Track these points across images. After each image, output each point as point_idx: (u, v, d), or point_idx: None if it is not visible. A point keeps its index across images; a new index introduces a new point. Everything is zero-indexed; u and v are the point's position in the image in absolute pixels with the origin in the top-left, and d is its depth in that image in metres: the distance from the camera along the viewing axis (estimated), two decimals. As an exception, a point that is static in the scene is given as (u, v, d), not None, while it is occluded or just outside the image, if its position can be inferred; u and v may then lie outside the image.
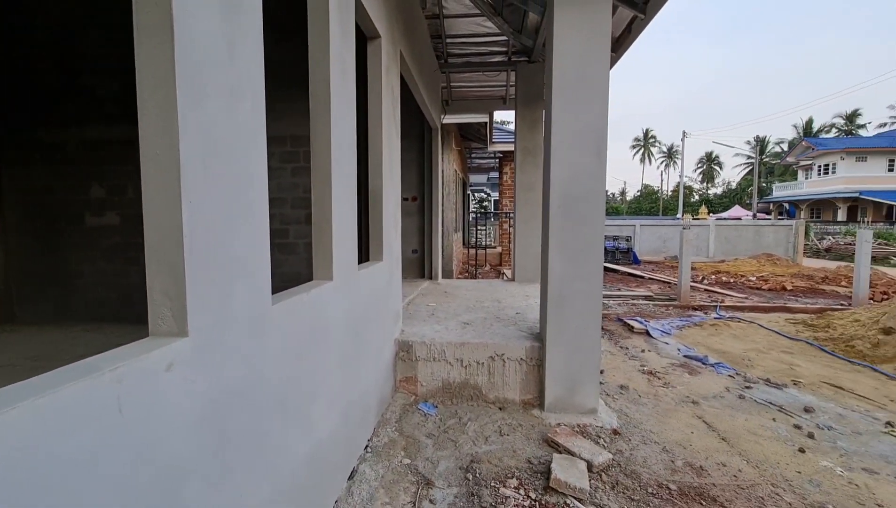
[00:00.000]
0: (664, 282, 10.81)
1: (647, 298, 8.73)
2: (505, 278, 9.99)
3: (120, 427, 0.96)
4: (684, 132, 36.55)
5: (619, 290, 9.59)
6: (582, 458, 2.60)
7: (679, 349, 5.27)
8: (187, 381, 1.16)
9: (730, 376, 4.39)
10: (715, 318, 6.97)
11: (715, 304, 7.88)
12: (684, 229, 9.09)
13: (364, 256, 3.40)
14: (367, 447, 2.81)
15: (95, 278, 4.87)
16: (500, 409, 3.37)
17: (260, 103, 1.50)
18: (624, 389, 3.95)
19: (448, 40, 6.29)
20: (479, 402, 3.47)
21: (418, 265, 7.52)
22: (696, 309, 7.70)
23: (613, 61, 5.62)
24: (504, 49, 6.63)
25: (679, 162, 45.20)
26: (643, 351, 5.23)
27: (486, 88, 8.23)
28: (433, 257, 7.32)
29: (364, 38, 3.18)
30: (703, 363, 4.75)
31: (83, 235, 4.86)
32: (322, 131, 2.18)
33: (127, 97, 1.12)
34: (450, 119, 8.45)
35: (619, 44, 5.38)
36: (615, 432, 3.05)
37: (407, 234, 7.22)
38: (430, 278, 7.34)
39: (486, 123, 9.37)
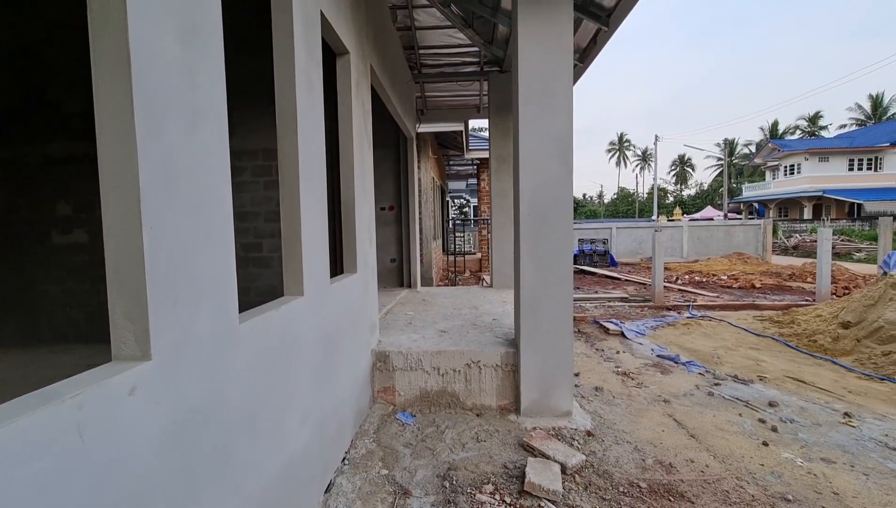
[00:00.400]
0: (640, 283, 11.06)
1: (622, 299, 8.92)
2: (484, 284, 10.10)
3: (81, 453, 0.97)
4: (657, 136, 37.52)
5: (596, 292, 9.77)
6: (556, 461, 2.67)
7: (652, 349, 5.41)
8: (151, 404, 1.17)
9: (700, 374, 4.54)
10: (688, 317, 7.18)
11: (688, 303, 8.11)
12: (656, 231, 9.35)
13: (339, 268, 3.41)
14: (344, 459, 2.81)
15: (63, 298, 4.74)
16: (478, 415, 3.42)
17: (223, 127, 1.52)
18: (598, 390, 4.04)
19: (421, 51, 6.37)
20: (456, 409, 3.51)
21: (397, 274, 7.54)
22: (669, 309, 7.90)
23: (581, 71, 5.79)
24: (476, 59, 6.76)
25: (653, 165, 46.32)
26: (618, 352, 5.36)
27: (461, 97, 8.36)
28: (412, 265, 7.35)
29: (333, 53, 3.22)
30: (675, 362, 4.89)
31: (50, 253, 4.72)
32: (289, 147, 2.21)
33: (94, 112, 1.13)
34: (425, 128, 8.53)
35: (586, 54, 5.55)
36: (589, 433, 3.13)
37: (385, 243, 7.24)
38: (409, 286, 7.36)
39: (462, 131, 9.49)
